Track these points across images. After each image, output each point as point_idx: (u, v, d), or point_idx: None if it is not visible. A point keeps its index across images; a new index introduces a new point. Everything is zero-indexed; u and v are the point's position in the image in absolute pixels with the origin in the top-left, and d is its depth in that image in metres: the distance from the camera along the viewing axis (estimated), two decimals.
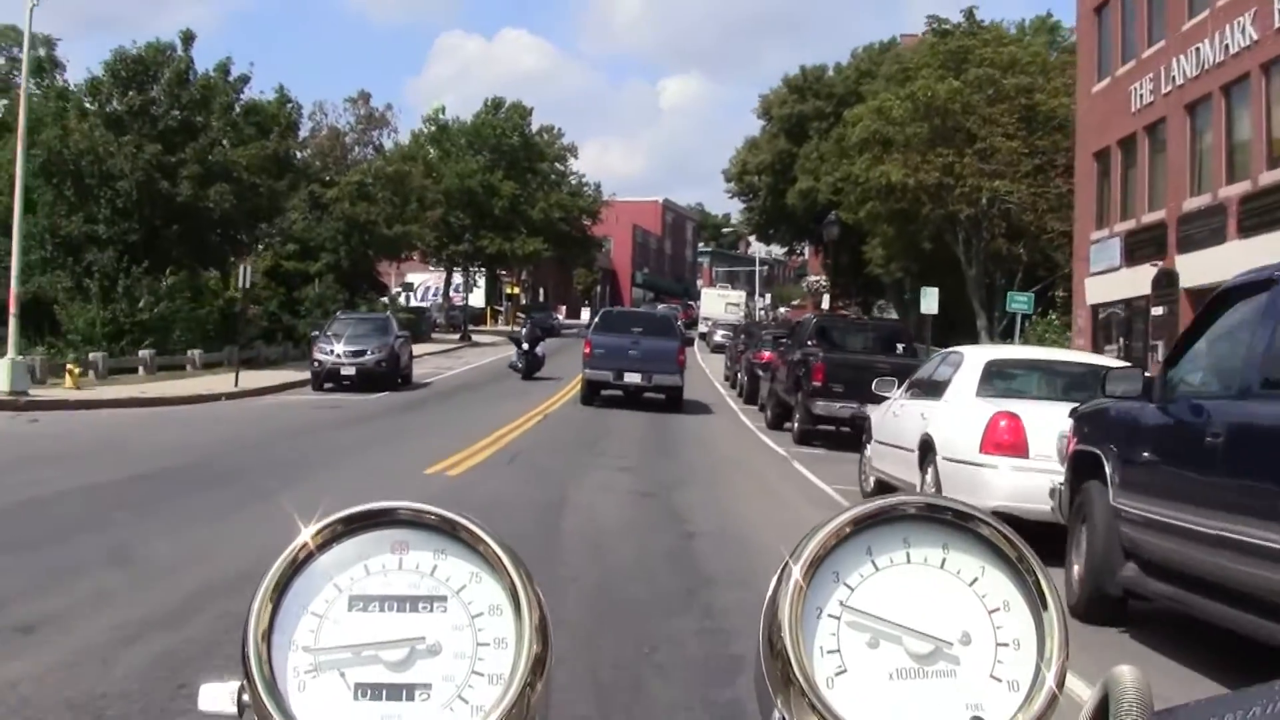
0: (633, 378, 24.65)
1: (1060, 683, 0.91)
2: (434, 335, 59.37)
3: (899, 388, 12.54)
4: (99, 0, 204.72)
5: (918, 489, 10.58)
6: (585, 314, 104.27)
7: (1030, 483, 9.13)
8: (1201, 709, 0.76)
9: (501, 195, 65.68)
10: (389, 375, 27.57)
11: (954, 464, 9.80)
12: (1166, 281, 24.29)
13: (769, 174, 52.94)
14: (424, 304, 75.70)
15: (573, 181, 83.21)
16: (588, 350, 25.26)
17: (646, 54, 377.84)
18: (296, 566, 0.96)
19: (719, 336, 58.31)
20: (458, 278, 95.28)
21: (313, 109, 54.69)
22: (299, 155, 54.13)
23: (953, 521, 0.96)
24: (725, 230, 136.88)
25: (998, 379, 10.63)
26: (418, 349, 47.84)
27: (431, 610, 0.96)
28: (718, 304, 71.52)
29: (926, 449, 10.44)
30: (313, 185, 52.92)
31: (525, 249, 65.27)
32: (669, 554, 8.94)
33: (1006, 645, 0.94)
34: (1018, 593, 0.95)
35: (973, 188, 32.52)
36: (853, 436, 20.11)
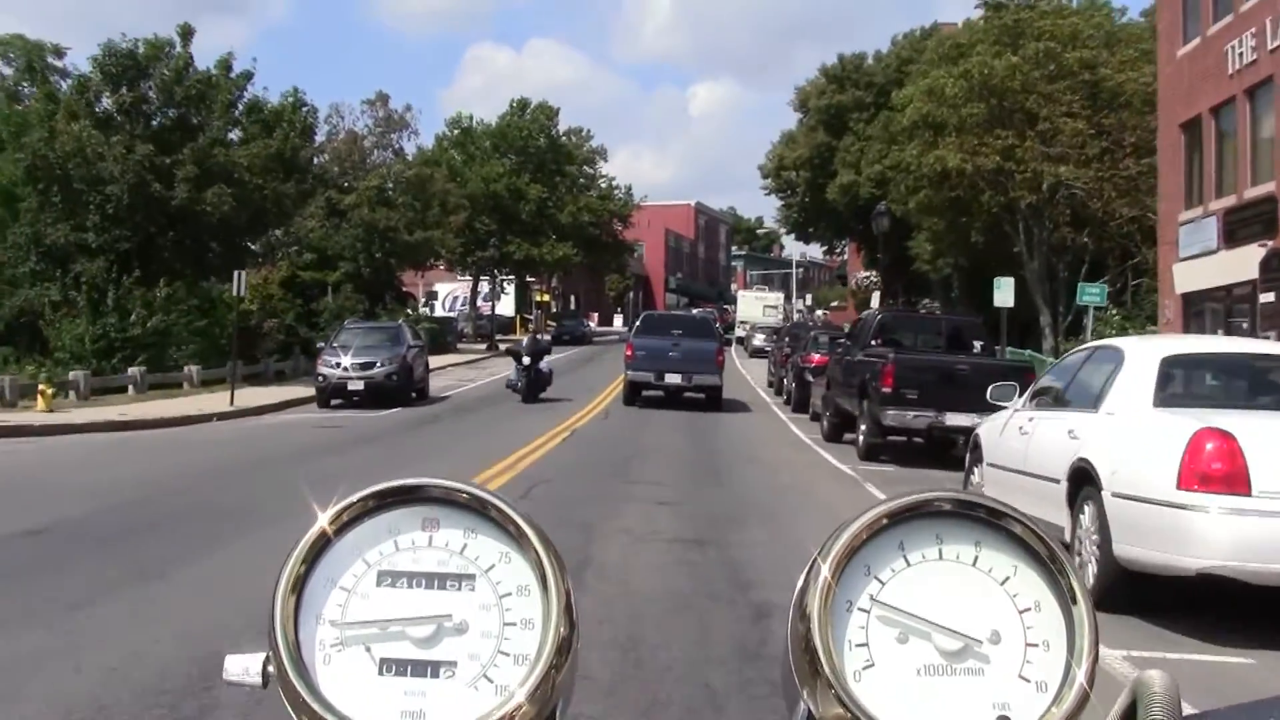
0: (673, 378, 25.12)
1: (1090, 682, 0.90)
2: (460, 345, 56.84)
3: (1021, 395, 9.65)
4: (130, 23, 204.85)
5: (1066, 535, 7.75)
6: (618, 321, 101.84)
7: (1258, 531, 6.31)
8: (1231, 715, 0.73)
9: (528, 199, 63.12)
10: (401, 389, 24.89)
11: (1132, 503, 6.92)
12: (1278, 263, 21.29)
13: (807, 169, 50.03)
14: (451, 314, 73.40)
15: (602, 185, 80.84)
16: (630, 353, 25.70)
17: (677, 60, 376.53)
18: (326, 540, 0.95)
19: (759, 340, 55.42)
20: (486, 286, 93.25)
21: (329, 112, 52.36)
22: (316, 160, 52.12)
23: (986, 519, 0.95)
24: (760, 232, 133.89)
25: (1180, 381, 7.75)
26: (442, 360, 45.29)
27: (460, 588, 0.95)
28: (755, 307, 68.57)
29: (1081, 480, 7.56)
30: (330, 191, 50.68)
31: (554, 254, 62.64)
32: (740, 648, 6.13)
33: (1036, 646, 0.93)
34: (1049, 593, 0.94)
35: (1035, 173, 29.49)
36: (926, 449, 17.57)
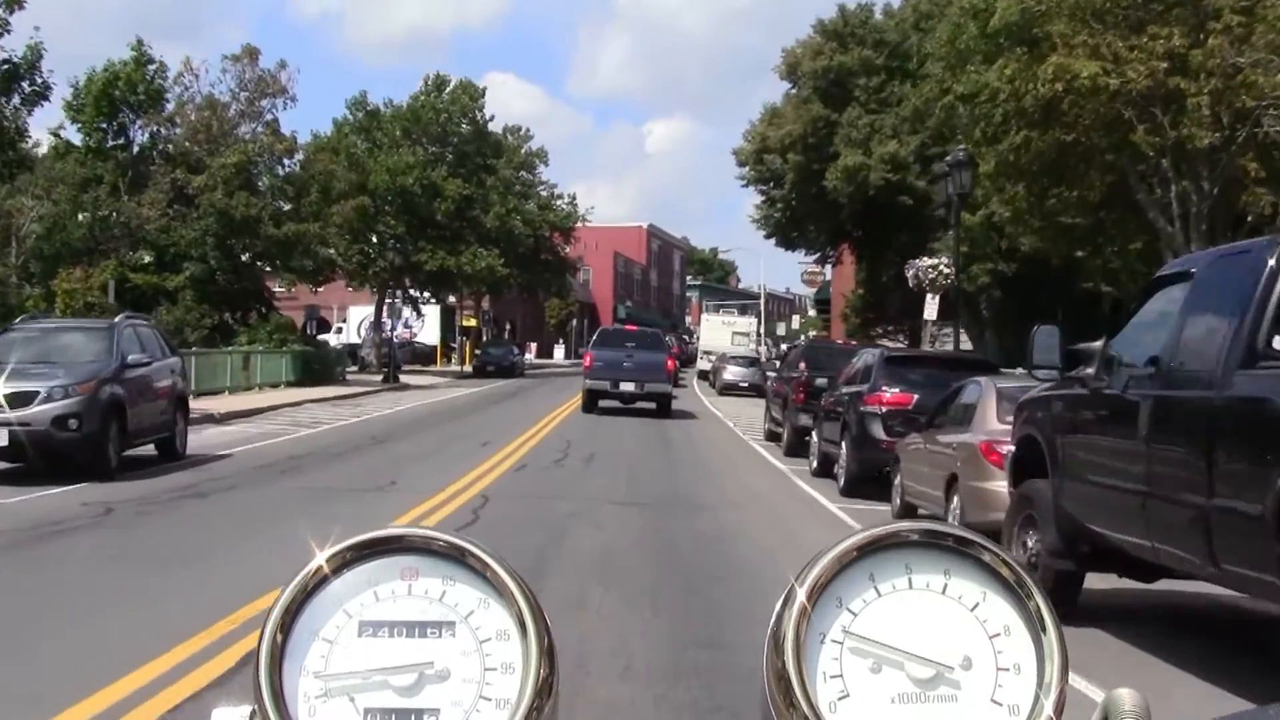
0: (628, 386, 27.24)
1: (1059, 710, 0.91)
2: (349, 376, 44.59)
3: None
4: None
5: None
6: (559, 353, 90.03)
7: None
8: None
9: (445, 197, 51.15)
10: (87, 446, 12.74)
11: None
12: None
13: (797, 151, 38.67)
14: (356, 340, 61.16)
15: (542, 194, 69.07)
16: (588, 363, 28.22)
17: (634, 96, 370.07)
18: (308, 593, 0.96)
19: (731, 374, 43.68)
20: (407, 309, 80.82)
21: (179, 69, 40.19)
22: (164, 131, 40.05)
23: (954, 548, 0.96)
24: (722, 256, 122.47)
25: None
26: (306, 393, 33.32)
27: (440, 636, 0.96)
28: (722, 334, 56.96)
29: None
30: (177, 172, 38.52)
31: (475, 265, 50.59)
32: None
33: (1007, 670, 0.94)
34: (1018, 618, 0.95)
35: (1219, 94, 17.99)
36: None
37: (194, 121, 40.45)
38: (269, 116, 41.44)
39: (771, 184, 41.49)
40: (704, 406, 36.33)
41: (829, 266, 65.09)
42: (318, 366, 38.46)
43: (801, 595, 0.94)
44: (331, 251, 47.14)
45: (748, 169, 41.92)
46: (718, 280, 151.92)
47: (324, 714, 0.94)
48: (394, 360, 43.28)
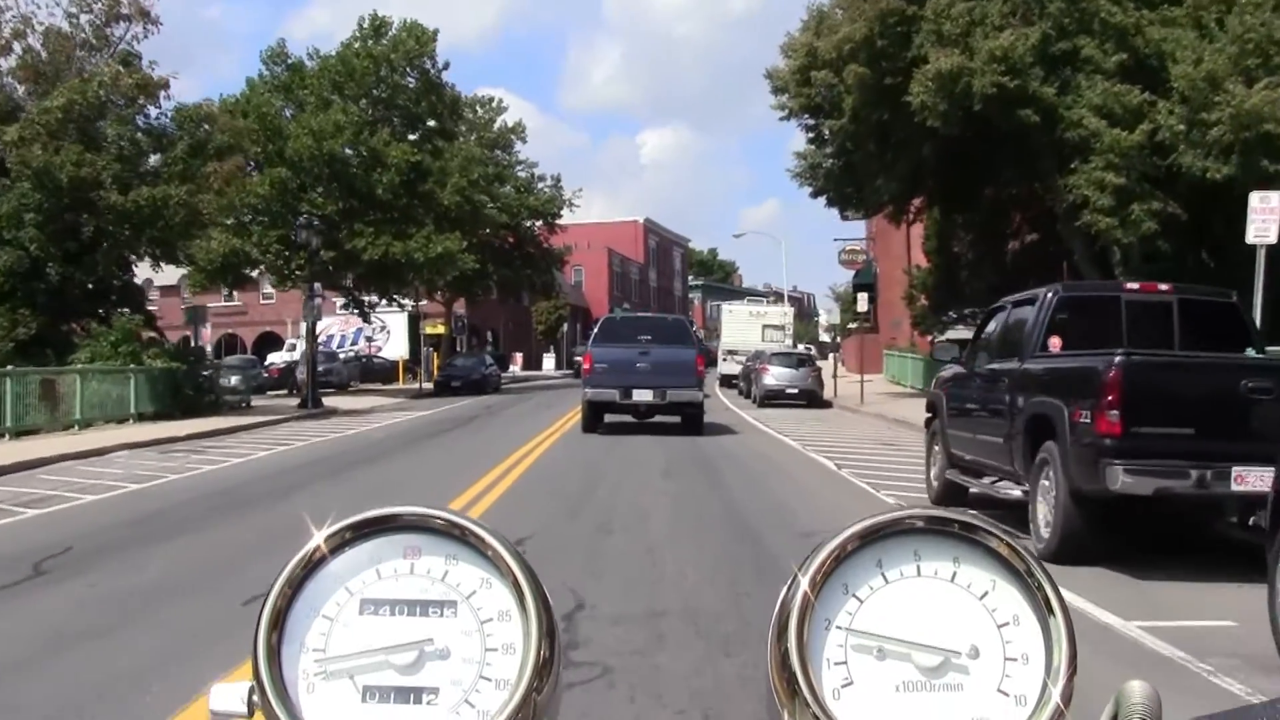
0: (643, 395, 20.58)
1: (1067, 700, 0.89)
2: (256, 403, 33.09)
3: None
4: None
5: None
6: (549, 363, 78.45)
7: None
8: None
9: (388, 165, 39.61)
10: None
11: None
12: None
13: (861, 60, 27.20)
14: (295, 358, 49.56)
15: (521, 175, 57.63)
16: (588, 366, 21.22)
17: (628, 107, 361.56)
18: (308, 570, 0.96)
19: (774, 379, 32.11)
20: (378, 319, 69.58)
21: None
22: None
23: (961, 534, 0.95)
24: (739, 235, 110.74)
25: None
26: (177, 429, 21.95)
27: (441, 615, 0.95)
28: (750, 329, 45.38)
29: None
30: None
31: (429, 250, 39.01)
32: None
33: (1015, 660, 0.93)
34: (1028, 607, 0.94)
35: None
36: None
37: (21, 57, 29.01)
38: (127, 44, 29.99)
39: (823, 115, 29.89)
40: (758, 428, 24.76)
41: (860, 251, 53.43)
42: (190, 392, 26.85)
43: (805, 582, 0.91)
44: (223, 238, 35.69)
45: (788, 96, 30.28)
46: (719, 281, 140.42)
47: (323, 691, 0.92)
48: (313, 379, 31.60)
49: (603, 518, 10.47)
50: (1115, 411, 7.55)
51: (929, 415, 12.31)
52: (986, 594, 0.94)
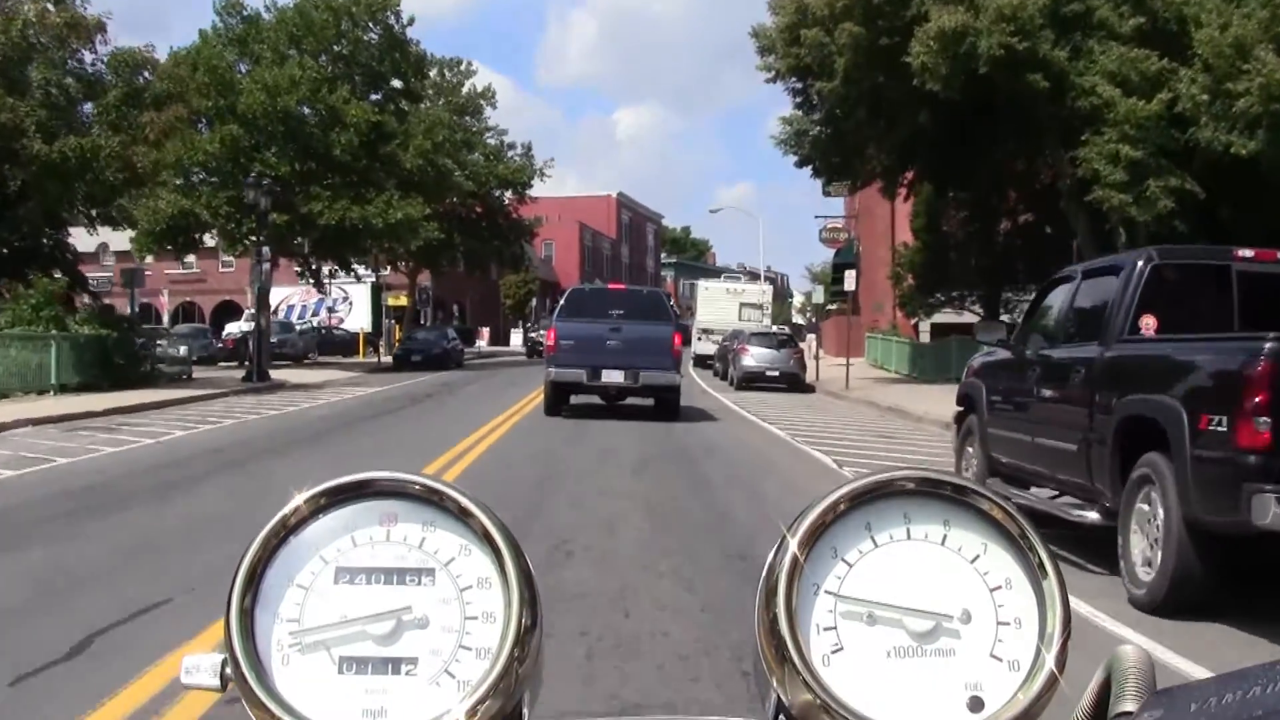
0: (613, 376, 18.76)
1: (1061, 665, 0.87)
2: (199, 375, 30.92)
3: None
4: None
5: None
6: (516, 339, 76.28)
7: None
8: (1200, 689, 0.74)
9: (347, 125, 37.28)
10: None
11: None
12: None
13: (856, 18, 25.22)
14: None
15: (491, 142, 55.31)
16: (551, 342, 19.30)
17: (603, 84, 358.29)
18: (282, 538, 0.92)
19: (753, 360, 30.19)
20: (339, 290, 66.77)
21: None
22: None
23: (952, 496, 0.92)
24: (715, 211, 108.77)
25: None
26: (97, 402, 19.78)
27: (419, 583, 0.92)
28: (727, 307, 43.45)
29: None
30: None
31: (389, 216, 36.76)
32: None
33: (1008, 624, 0.90)
34: (1020, 570, 0.91)
35: None
36: None
37: None
38: None
39: (812, 77, 27.88)
40: (740, 414, 22.84)
41: (839, 228, 51.58)
42: (121, 361, 24.61)
43: (793, 545, 0.89)
44: (171, 198, 33.38)
45: (775, 56, 28.24)
46: (692, 259, 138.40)
47: (298, 662, 0.89)
48: (259, 350, 29.40)
49: (560, 535, 8.46)
50: (1265, 419, 5.63)
51: (960, 410, 10.51)
52: (978, 557, 0.91)
